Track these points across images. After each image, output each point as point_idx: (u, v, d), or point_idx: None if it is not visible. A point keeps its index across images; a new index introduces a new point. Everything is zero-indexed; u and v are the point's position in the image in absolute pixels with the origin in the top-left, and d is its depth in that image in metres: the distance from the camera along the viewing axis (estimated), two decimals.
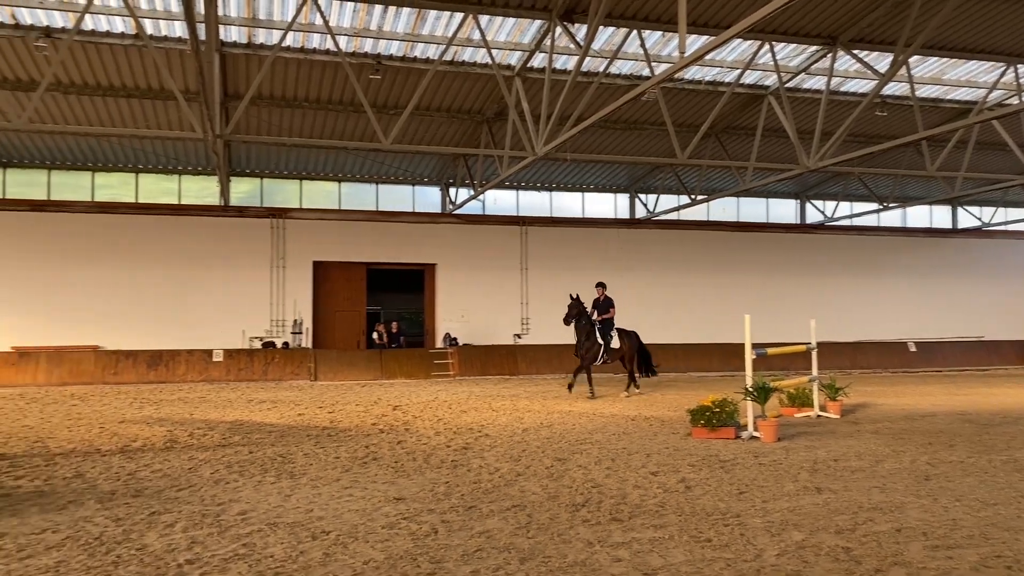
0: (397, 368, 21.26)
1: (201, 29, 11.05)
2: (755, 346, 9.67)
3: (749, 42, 15.50)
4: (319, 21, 13.75)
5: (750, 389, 9.49)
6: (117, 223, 20.89)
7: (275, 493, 6.56)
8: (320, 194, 23.19)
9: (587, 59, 13.37)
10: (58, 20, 13.84)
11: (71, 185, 21.20)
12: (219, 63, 14.79)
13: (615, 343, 15.31)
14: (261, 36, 14.73)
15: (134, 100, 17.06)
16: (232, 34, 14.54)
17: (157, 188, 21.82)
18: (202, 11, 10.78)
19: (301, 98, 17.52)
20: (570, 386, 15.45)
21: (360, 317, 23.33)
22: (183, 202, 21.94)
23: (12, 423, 11.51)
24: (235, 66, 15.65)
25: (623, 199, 25.97)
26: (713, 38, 9.09)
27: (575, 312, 15.03)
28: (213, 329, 20.85)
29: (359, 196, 23.43)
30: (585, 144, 20.50)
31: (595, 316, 15.29)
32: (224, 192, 21.24)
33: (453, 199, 23.64)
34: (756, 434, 9.30)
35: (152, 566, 4.57)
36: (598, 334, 15.10)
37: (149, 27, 14.03)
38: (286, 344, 21.48)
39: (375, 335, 23.28)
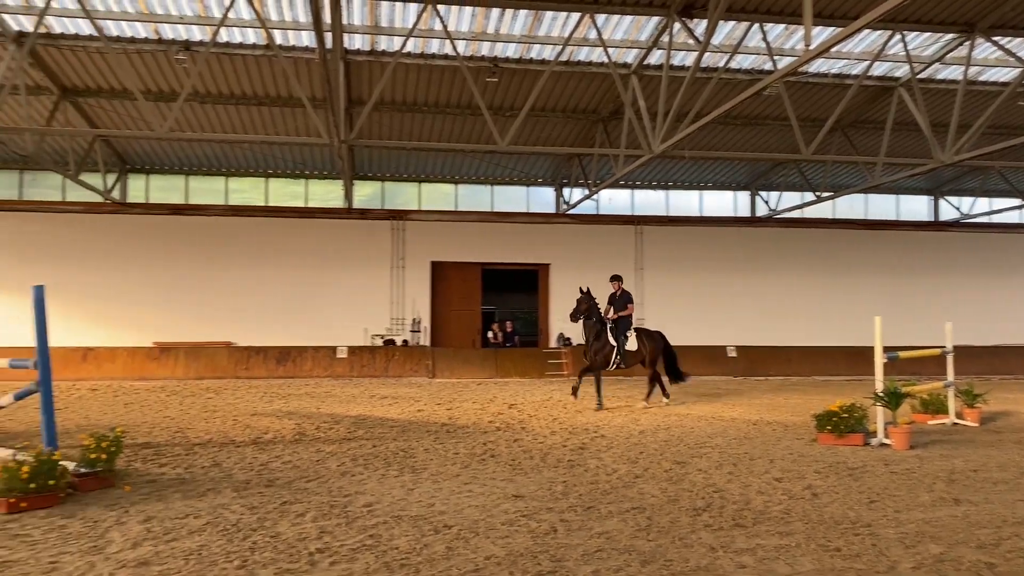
0: (511, 367, 21.47)
1: (327, 38, 11.48)
2: (885, 349, 9.24)
3: (878, 32, 14.81)
4: (438, 26, 14.06)
5: (880, 394, 9.07)
6: (248, 225, 21.98)
7: (398, 487, 6.74)
8: (438, 196, 23.67)
9: (706, 54, 13.10)
10: (196, 34, 14.69)
11: (207, 190, 22.44)
12: (343, 70, 15.32)
13: (632, 344, 13.43)
14: (383, 43, 15.17)
15: (264, 108, 17.92)
16: (356, 42, 15.03)
17: (285, 192, 22.82)
18: (329, 20, 11.19)
19: (420, 102, 17.94)
20: (575, 390, 13.63)
21: (475, 316, 23.67)
22: (310, 205, 22.85)
23: (155, 414, 12.29)
24: (358, 73, 16.18)
25: (743, 197, 25.28)
26: (840, 29, 8.75)
27: (584, 307, 13.30)
28: (337, 327, 21.63)
29: (475, 197, 23.78)
30: (703, 141, 20.10)
31: (611, 314, 13.57)
32: (348, 195, 22.02)
33: (567, 199, 23.65)
34: (886, 441, 8.88)
35: (285, 553, 4.78)
36: (610, 334, 13.27)
37: (279, 37, 14.68)
38: (405, 342, 22.06)
39: (490, 334, 23.58)
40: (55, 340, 6.71)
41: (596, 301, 13.50)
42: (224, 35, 14.50)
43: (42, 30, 13.89)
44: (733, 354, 22.49)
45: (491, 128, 14.48)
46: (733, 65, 15.81)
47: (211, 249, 21.80)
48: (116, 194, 21.39)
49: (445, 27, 13.31)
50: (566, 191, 23.80)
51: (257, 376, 20.36)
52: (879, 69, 16.70)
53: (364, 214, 22.71)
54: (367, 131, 18.92)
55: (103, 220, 21.44)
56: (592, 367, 13.40)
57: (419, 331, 22.34)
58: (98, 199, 20.73)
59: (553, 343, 22.99)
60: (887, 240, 25.18)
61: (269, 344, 20.91)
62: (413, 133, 19.57)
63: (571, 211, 23.38)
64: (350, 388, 17.37)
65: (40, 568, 4.47)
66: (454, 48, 13.67)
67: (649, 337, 13.88)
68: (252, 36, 14.84)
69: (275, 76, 16.34)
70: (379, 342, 21.94)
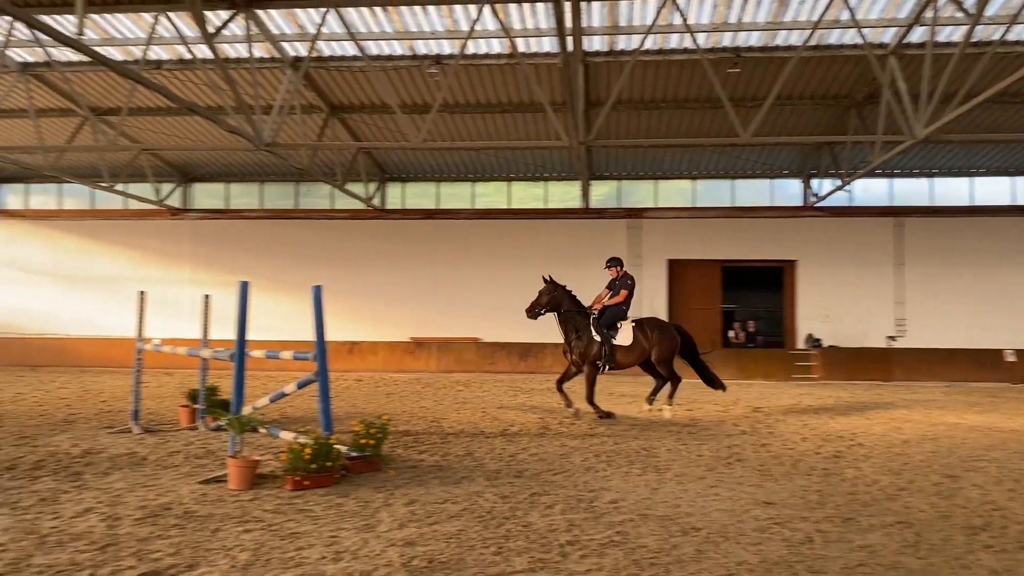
0: (755, 368, 20.68)
1: (568, 42, 11.72)
2: None
3: None
4: (678, 20, 13.86)
5: None
6: (493, 227, 23.00)
7: (642, 485, 6.74)
8: (674, 193, 23.33)
9: (978, 27, 11.81)
10: (446, 48, 15.58)
11: (456, 195, 23.75)
12: (583, 73, 15.56)
13: (625, 339, 11.16)
14: (621, 43, 15.21)
15: (507, 115, 18.64)
16: (594, 44, 15.21)
17: (526, 194, 23.59)
18: (570, 25, 11.42)
19: (658, 99, 17.78)
20: (568, 403, 11.30)
21: (715, 315, 23.05)
22: (549, 206, 23.45)
23: (412, 404, 13.20)
24: (596, 74, 16.36)
25: (1022, 182, 22.48)
26: None
27: (545, 300, 11.27)
28: None
29: (714, 193, 23.16)
30: (974, 123, 18.13)
31: (607, 300, 11.54)
32: (585, 195, 22.34)
33: (815, 191, 22.35)
34: None
35: (538, 543, 4.95)
36: (593, 328, 11.13)
37: (521, 45, 15.20)
38: None
39: (731, 334, 22.85)
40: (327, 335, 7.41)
41: (569, 290, 11.51)
42: (471, 47, 15.25)
43: (314, 54, 15.39)
44: (1012, 358, 20.10)
45: (733, 120, 14.03)
46: (1010, 37, 14.12)
47: (460, 250, 23.06)
48: (376, 201, 23.25)
49: (685, 21, 13.10)
50: (814, 182, 22.50)
51: (501, 371, 21.26)
52: None
53: (600, 213, 22.92)
54: (604, 131, 19.08)
55: (366, 225, 23.40)
56: (567, 374, 11.48)
57: None
58: (361, 206, 22.68)
59: (801, 343, 21.84)
60: None
61: (512, 340, 21.73)
62: (650, 130, 19.45)
63: (821, 204, 22.07)
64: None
65: (322, 541, 4.97)
66: (694, 41, 13.40)
67: (659, 331, 11.47)
68: (496, 46, 15.48)
69: (517, 83, 16.94)
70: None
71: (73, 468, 7.28)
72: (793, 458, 8.19)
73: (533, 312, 11.40)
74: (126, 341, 21.52)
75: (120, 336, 22.21)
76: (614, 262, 12.06)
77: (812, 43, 14.76)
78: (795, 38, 14.84)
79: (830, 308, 21.94)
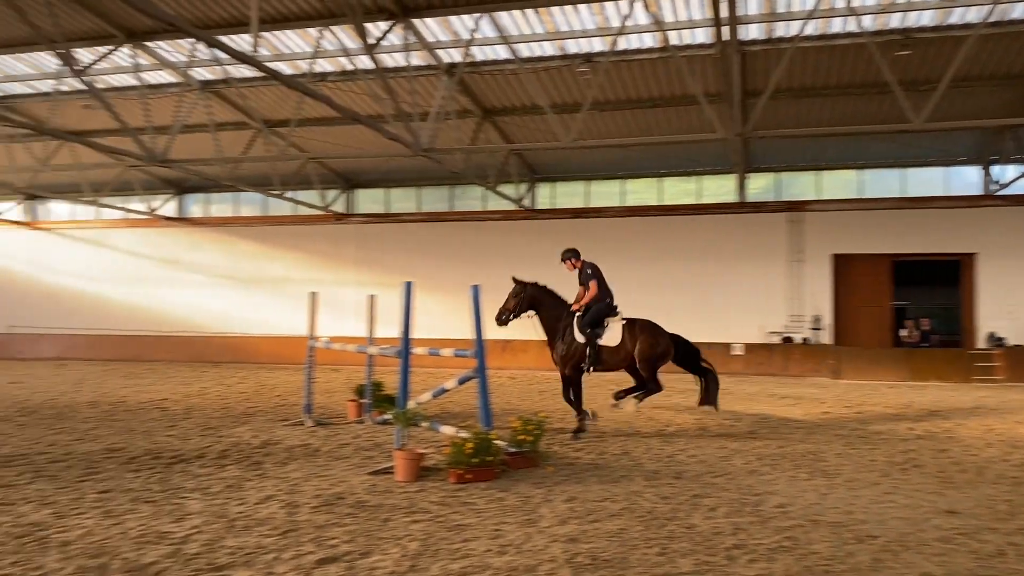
0: (929, 369, 19.34)
1: (723, 32, 11.41)
2: None
3: None
4: (840, 3, 13.18)
5: None
6: (644, 225, 22.71)
7: (810, 490, 6.46)
8: (838, 184, 22.19)
9: None
10: (596, 45, 15.54)
11: (605, 193, 23.64)
12: (739, 62, 15.09)
13: (613, 337, 9.95)
14: (779, 29, 14.64)
15: (658, 109, 18.36)
16: (751, 32, 14.72)
17: (678, 189, 23.15)
18: (725, 14, 11.11)
19: (819, 86, 16.98)
20: (579, 411, 9.96)
21: (885, 313, 21.72)
22: (702, 201, 22.90)
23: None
24: (753, 63, 15.82)
25: None
26: None
27: (513, 304, 10.16)
28: (730, 323, 21.41)
29: (882, 183, 21.83)
30: None
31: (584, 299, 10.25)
32: (741, 189, 21.66)
33: (996, 178, 20.63)
34: None
35: (703, 546, 4.84)
36: (576, 329, 9.94)
37: (673, 38, 14.92)
38: (805, 340, 21.05)
39: (903, 332, 21.48)
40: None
41: (545, 286, 10.38)
42: (622, 43, 15.13)
43: (468, 59, 15.75)
44: None
45: (903, 105, 13.19)
46: None
47: (611, 248, 22.87)
48: (527, 201, 23.52)
49: (849, 3, 12.44)
50: (995, 169, 20.77)
51: None
52: None
53: (758, 207, 22.13)
54: (762, 121, 18.37)
55: (517, 225, 23.71)
56: (564, 379, 10.12)
57: (820, 328, 21.16)
58: (512, 206, 23.01)
59: (981, 343, 20.23)
60: None
61: None
62: (811, 119, 18.58)
63: (1003, 192, 20.37)
64: (747, 386, 17.05)
65: (487, 533, 5.08)
66: (859, 24, 12.69)
67: (649, 333, 10.17)
68: (648, 40, 15.28)
69: (670, 76, 16.65)
70: (776, 339, 21.23)
71: (254, 457, 7.80)
72: (977, 465, 7.61)
73: (501, 318, 10.27)
74: (296, 339, 22.87)
75: (290, 334, 23.61)
76: (569, 254, 10.59)
77: (992, 19, 13.65)
78: (972, 15, 13.78)
79: (1016, 304, 20.20)
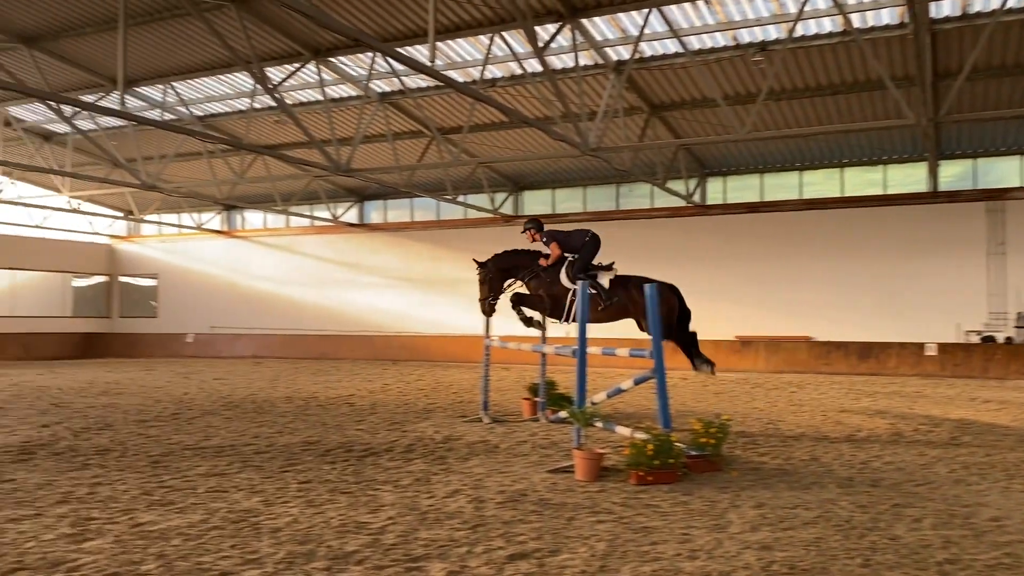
0: None
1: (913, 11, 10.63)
2: None
3: None
4: None
5: None
6: (824, 218, 21.59)
7: None
8: None
9: None
10: (772, 33, 14.94)
11: (781, 185, 22.70)
12: (930, 43, 14.04)
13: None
14: (977, 5, 13.50)
15: (839, 96, 17.38)
16: (943, 9, 13.66)
17: (861, 180, 21.85)
18: None
19: (1022, 64, 15.49)
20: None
21: None
22: (888, 192, 21.50)
23: (744, 405, 12.82)
24: (946, 43, 14.67)
25: None
26: None
27: (486, 288, 10.37)
28: (923, 321, 19.95)
29: None
30: None
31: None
32: (933, 177, 20.15)
33: None
34: None
35: (909, 559, 4.53)
36: (564, 275, 9.84)
37: (855, 21, 14.10)
38: (1009, 339, 19.27)
39: None
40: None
41: (505, 254, 10.41)
42: (799, 29, 14.46)
43: (636, 56, 15.59)
44: None
45: None
46: None
47: (787, 244, 21.99)
48: (697, 197, 22.97)
49: None
50: None
51: (838, 372, 19.94)
52: None
53: (952, 197, 20.48)
54: (956, 105, 17.03)
55: (686, 222, 23.21)
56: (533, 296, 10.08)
57: None
58: (680, 203, 22.54)
59: None
60: None
61: (849, 339, 20.28)
62: (1013, 100, 16.99)
63: None
64: (943, 389, 15.83)
65: (675, 537, 4.98)
66: None
67: (641, 290, 9.29)
68: (828, 25, 14.52)
69: (851, 61, 15.74)
70: (976, 339, 19.57)
71: (438, 452, 8.08)
72: None
73: (484, 306, 10.51)
74: (467, 338, 23.53)
75: (462, 334, 24.29)
76: (530, 224, 10.51)
77: None
78: None
79: None
